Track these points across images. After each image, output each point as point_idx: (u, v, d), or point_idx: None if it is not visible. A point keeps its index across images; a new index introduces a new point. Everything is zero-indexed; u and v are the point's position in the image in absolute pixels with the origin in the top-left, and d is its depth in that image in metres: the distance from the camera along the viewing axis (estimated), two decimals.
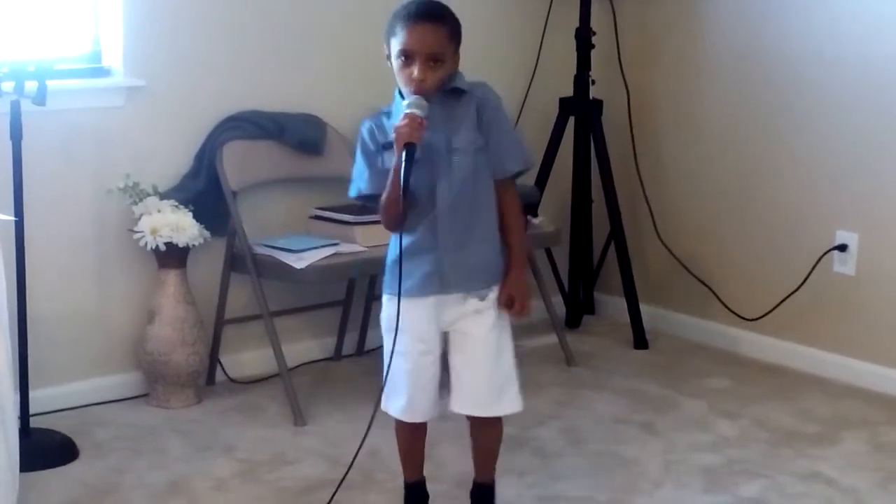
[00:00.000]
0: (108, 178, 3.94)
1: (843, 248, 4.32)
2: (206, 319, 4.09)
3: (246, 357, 4.30)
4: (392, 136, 2.87)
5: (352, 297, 4.45)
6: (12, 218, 3.43)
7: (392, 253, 2.98)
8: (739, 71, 4.59)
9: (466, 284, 2.98)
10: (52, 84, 3.57)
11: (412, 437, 3.15)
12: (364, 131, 3.01)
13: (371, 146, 2.99)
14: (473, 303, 3.00)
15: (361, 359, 4.54)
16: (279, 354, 3.97)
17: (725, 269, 4.71)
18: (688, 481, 3.51)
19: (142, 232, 3.88)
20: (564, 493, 3.43)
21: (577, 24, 4.77)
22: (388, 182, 2.88)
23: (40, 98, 3.52)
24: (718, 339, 4.71)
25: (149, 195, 3.94)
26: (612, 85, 4.87)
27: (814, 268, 4.38)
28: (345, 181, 4.19)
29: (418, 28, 2.86)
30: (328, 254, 3.98)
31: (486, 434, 3.13)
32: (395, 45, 2.88)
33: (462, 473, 3.32)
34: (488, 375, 3.03)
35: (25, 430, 3.55)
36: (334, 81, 4.39)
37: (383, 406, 3.08)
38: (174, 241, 3.87)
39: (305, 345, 4.44)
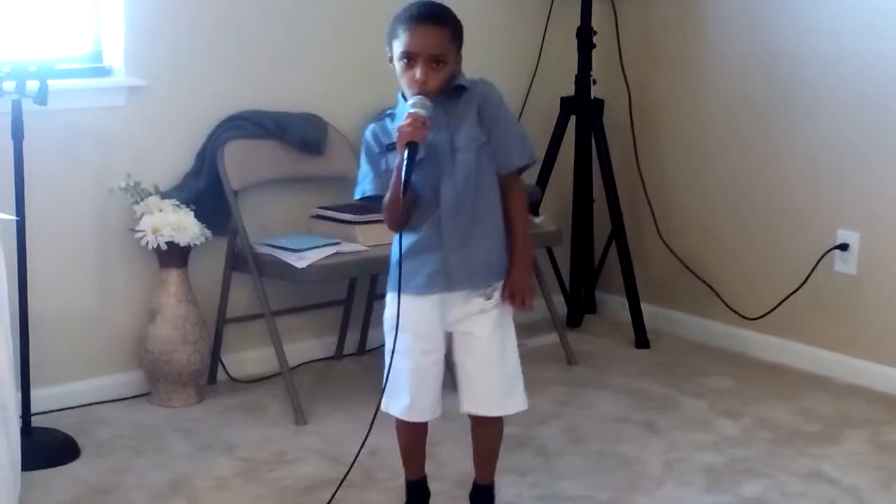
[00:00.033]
0: (109, 178, 3.94)
1: (844, 247, 4.32)
2: (208, 318, 4.09)
3: (247, 356, 4.30)
4: (395, 137, 2.88)
5: (353, 296, 4.45)
6: (14, 217, 3.43)
7: (396, 252, 2.98)
8: (741, 70, 4.59)
9: (472, 281, 2.98)
10: (53, 84, 3.57)
11: (413, 436, 3.15)
12: (368, 134, 3.02)
13: (375, 148, 3.00)
14: (478, 302, 3.00)
15: (363, 358, 4.54)
16: (280, 353, 3.97)
17: (727, 268, 4.71)
18: (689, 480, 3.51)
19: (143, 231, 3.88)
20: (566, 492, 3.43)
21: (578, 23, 4.77)
22: (391, 182, 2.89)
23: (42, 98, 3.52)
24: (720, 338, 4.71)
25: (150, 194, 3.94)
26: (613, 84, 4.87)
27: (815, 267, 4.38)
28: (346, 180, 4.23)
29: (420, 30, 2.86)
30: (329, 253, 3.98)
31: (488, 432, 3.13)
32: (398, 47, 2.89)
33: (463, 473, 3.32)
34: (497, 375, 3.04)
35: (27, 429, 3.55)
36: (335, 81, 4.40)
37: (384, 407, 3.07)
38: (175, 240, 3.88)
39: (307, 344, 4.44)
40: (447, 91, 2.92)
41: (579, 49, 4.78)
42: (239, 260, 4.08)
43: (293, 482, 3.46)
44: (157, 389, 4.02)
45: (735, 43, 4.60)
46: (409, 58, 2.87)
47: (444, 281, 2.96)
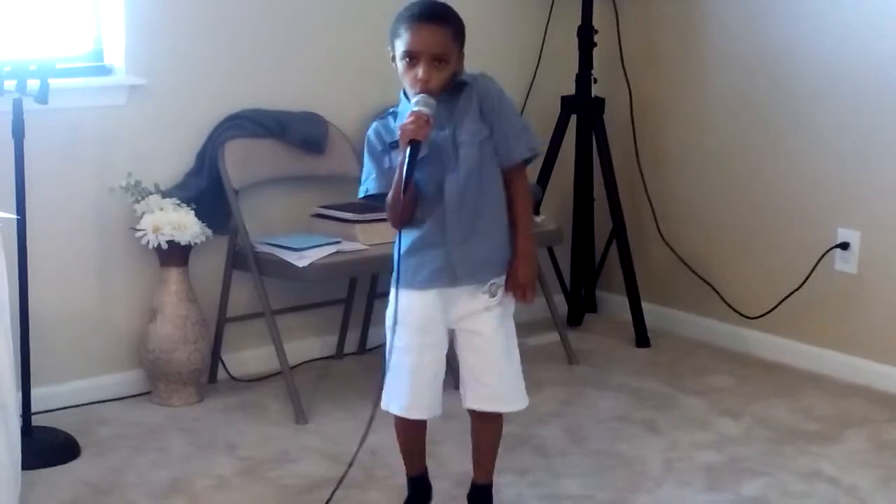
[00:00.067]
0: (109, 177, 3.94)
1: (844, 246, 4.32)
2: (208, 317, 4.09)
3: (248, 355, 4.30)
4: (398, 135, 2.89)
5: (353, 295, 4.45)
6: (14, 216, 3.43)
7: (399, 249, 2.98)
8: (741, 69, 4.59)
9: (476, 276, 2.99)
10: (54, 82, 3.57)
11: (413, 434, 3.15)
12: (371, 133, 3.03)
13: (378, 146, 3.00)
14: (483, 300, 3.00)
15: (363, 357, 4.54)
16: (281, 352, 3.97)
17: (727, 266, 4.71)
18: (689, 479, 3.51)
19: (144, 230, 3.88)
20: (566, 491, 3.43)
21: (579, 22, 4.77)
22: (394, 179, 2.89)
23: (42, 96, 3.52)
24: (720, 337, 4.71)
25: (151, 193, 3.94)
26: (614, 83, 4.87)
27: (816, 266, 4.38)
28: (346, 179, 4.24)
29: (422, 29, 2.86)
30: (330, 252, 3.98)
31: (489, 429, 3.13)
32: (400, 46, 2.89)
33: (463, 473, 3.32)
34: (501, 372, 3.05)
35: (27, 429, 3.55)
36: (336, 80, 4.40)
37: (383, 405, 3.07)
38: (176, 239, 3.88)
39: (307, 343, 4.44)
40: (450, 88, 2.93)
41: (580, 48, 4.78)
42: (239, 259, 4.08)
43: (294, 481, 3.47)
44: (157, 388, 4.02)
45: (736, 42, 4.60)
46: (412, 57, 2.87)
47: (448, 276, 2.97)
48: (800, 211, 4.45)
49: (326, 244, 4.01)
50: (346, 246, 4.04)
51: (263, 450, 3.68)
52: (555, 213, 4.80)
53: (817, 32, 4.34)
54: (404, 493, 3.24)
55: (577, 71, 4.78)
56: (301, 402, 3.92)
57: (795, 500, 3.39)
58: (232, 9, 4.16)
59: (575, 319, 4.96)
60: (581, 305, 5.00)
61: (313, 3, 4.32)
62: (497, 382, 3.05)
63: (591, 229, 4.97)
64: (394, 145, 2.94)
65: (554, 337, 4.59)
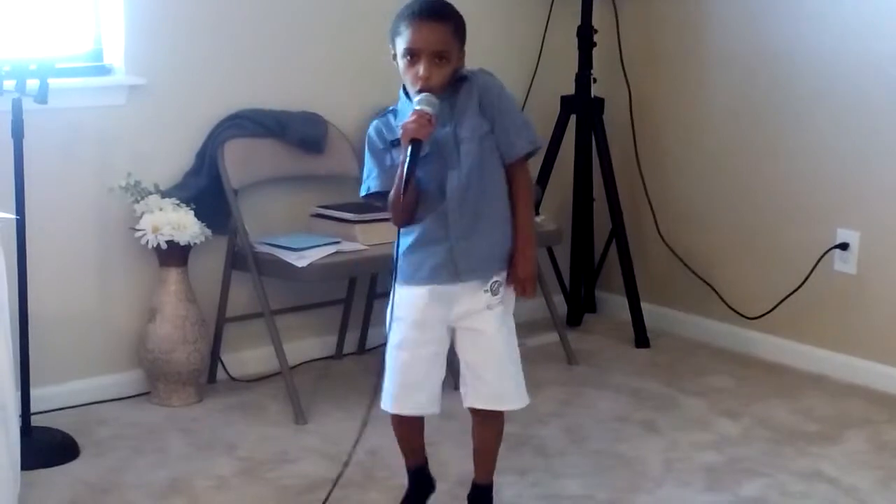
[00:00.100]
0: (109, 177, 3.94)
1: (844, 246, 4.32)
2: (208, 317, 4.09)
3: (247, 355, 4.30)
4: (399, 133, 2.90)
5: (353, 295, 4.45)
6: (14, 216, 3.43)
7: (402, 245, 2.99)
8: (741, 69, 4.59)
9: (478, 272, 2.99)
10: (53, 82, 3.57)
11: (408, 430, 3.16)
12: (371, 130, 3.03)
13: (379, 144, 3.01)
14: (485, 298, 3.01)
15: (363, 357, 4.54)
16: (280, 353, 3.97)
17: (727, 267, 4.71)
18: (689, 480, 3.51)
19: (143, 230, 3.88)
20: (565, 491, 3.43)
21: (578, 22, 4.77)
22: (396, 178, 2.89)
23: (42, 96, 3.52)
24: (720, 337, 4.71)
25: (150, 193, 3.94)
26: (613, 83, 4.87)
27: (815, 266, 4.38)
28: (346, 179, 4.24)
29: (423, 26, 2.87)
30: (329, 252, 3.98)
31: (489, 428, 3.13)
32: (401, 44, 2.90)
33: (463, 473, 3.32)
34: (503, 370, 3.06)
35: (26, 429, 3.55)
36: (335, 80, 4.39)
37: (382, 403, 3.09)
38: (175, 239, 3.87)
39: (307, 343, 4.44)
40: (450, 85, 2.93)
41: (580, 48, 4.77)
42: (239, 259, 4.08)
43: (293, 482, 3.46)
44: (156, 389, 4.02)
45: (735, 42, 4.60)
46: (413, 54, 2.88)
47: (450, 272, 2.97)
48: (799, 211, 4.45)
49: (326, 244, 4.01)
50: (346, 246, 4.03)
51: (263, 450, 3.68)
52: (554, 214, 4.80)
53: (817, 32, 4.33)
54: (405, 489, 3.25)
55: (576, 71, 4.77)
56: (300, 403, 3.92)
57: (795, 501, 3.38)
58: (232, 9, 4.16)
59: (574, 320, 4.96)
60: (581, 306, 4.99)
61: (313, 3, 4.32)
62: (498, 381, 3.05)
63: (591, 229, 4.96)
64: (395, 143, 2.95)
65: (553, 337, 4.59)
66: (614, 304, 5.00)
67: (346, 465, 3.10)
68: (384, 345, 3.05)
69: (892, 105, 4.15)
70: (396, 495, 3.29)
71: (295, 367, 4.25)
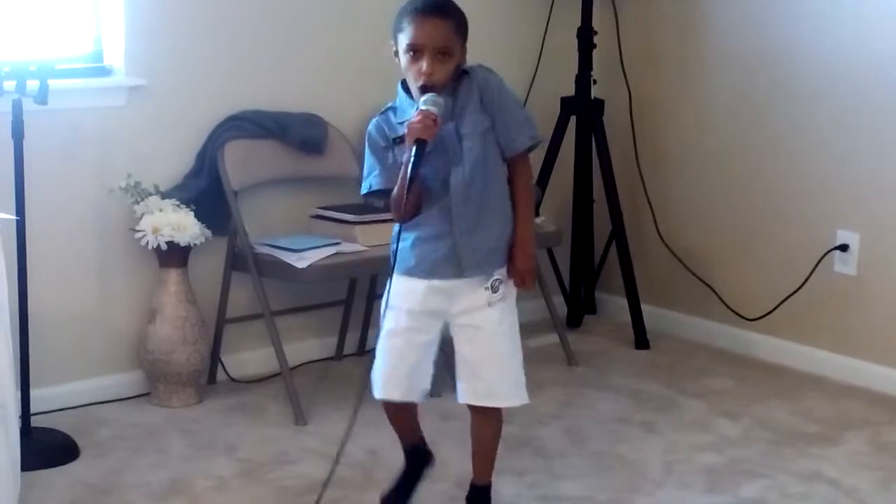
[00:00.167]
0: (109, 178, 3.94)
1: (844, 247, 4.32)
2: (208, 318, 4.09)
3: (247, 356, 4.30)
4: (401, 131, 2.91)
5: (353, 296, 4.45)
6: (14, 217, 3.43)
7: (404, 238, 2.99)
8: (741, 71, 4.59)
9: (481, 267, 3.00)
10: (53, 83, 3.57)
11: (400, 414, 3.18)
12: (372, 128, 3.03)
13: (380, 142, 3.01)
14: (486, 295, 3.01)
15: (363, 358, 4.53)
16: (280, 354, 3.97)
17: (727, 268, 4.71)
18: (689, 481, 3.51)
19: (143, 231, 3.88)
20: (565, 492, 3.43)
21: (578, 23, 4.77)
22: (400, 176, 2.90)
23: (42, 97, 3.52)
24: (720, 338, 4.71)
25: (150, 194, 3.94)
26: (613, 84, 4.87)
27: (815, 268, 4.38)
28: (346, 180, 4.24)
29: (426, 22, 2.88)
30: (329, 253, 3.98)
31: (488, 425, 3.13)
32: (403, 40, 2.91)
33: (462, 473, 3.32)
34: (502, 367, 3.06)
35: (26, 430, 3.55)
36: (335, 81, 4.39)
37: (374, 390, 3.11)
38: (175, 240, 3.87)
39: (307, 344, 4.44)
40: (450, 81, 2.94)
41: (580, 49, 4.78)
42: (239, 260, 4.08)
43: (293, 482, 3.46)
44: (156, 389, 4.02)
45: (735, 43, 4.60)
46: (415, 50, 2.89)
47: (454, 267, 2.98)
48: (799, 212, 4.45)
49: (326, 245, 4.01)
50: (346, 247, 4.03)
51: (263, 451, 3.68)
52: (554, 215, 4.80)
53: (817, 33, 4.34)
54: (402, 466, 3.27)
55: (576, 72, 4.78)
56: (300, 404, 3.92)
57: (795, 502, 3.38)
58: (232, 10, 4.16)
59: (574, 321, 4.96)
60: (580, 307, 4.99)
61: (313, 4, 4.32)
62: (496, 378, 3.06)
63: (591, 231, 4.96)
64: (397, 140, 2.96)
65: (553, 338, 4.59)
66: (614, 305, 5.00)
67: (336, 462, 3.08)
68: None
69: (893, 105, 4.15)
70: None
71: (295, 368, 4.25)
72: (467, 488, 3.21)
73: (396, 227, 3.02)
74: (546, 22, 4.83)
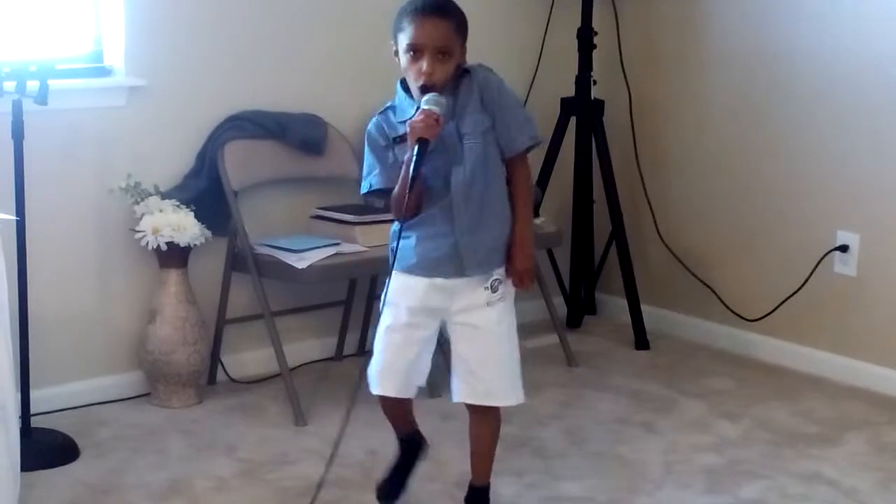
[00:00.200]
0: (109, 178, 3.94)
1: (844, 248, 4.32)
2: (208, 319, 4.09)
3: (247, 357, 4.30)
4: (401, 130, 2.92)
5: (353, 296, 4.45)
6: (14, 217, 3.43)
7: (405, 237, 2.99)
8: (741, 71, 4.59)
9: (482, 266, 3.01)
10: (53, 84, 3.57)
11: (396, 408, 3.20)
12: (371, 127, 3.04)
13: (381, 141, 3.02)
14: (485, 295, 3.01)
15: (363, 359, 4.52)
16: (280, 354, 3.97)
17: (727, 269, 4.70)
18: (689, 482, 3.51)
19: (143, 231, 3.88)
20: (565, 493, 3.43)
21: (578, 24, 4.77)
22: (401, 175, 2.91)
23: (42, 98, 3.52)
24: (720, 339, 4.71)
25: (150, 195, 3.94)
26: (613, 85, 4.87)
27: (815, 268, 4.38)
28: (346, 181, 4.24)
29: (426, 22, 2.89)
30: (329, 254, 3.98)
31: (486, 424, 3.13)
32: (403, 40, 2.91)
33: (462, 474, 3.32)
34: (501, 366, 3.07)
35: (26, 430, 3.55)
36: (336, 81, 4.39)
37: (371, 387, 3.12)
38: (175, 240, 3.87)
39: (307, 345, 4.44)
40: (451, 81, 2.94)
41: (580, 50, 4.78)
42: (239, 260, 4.08)
43: (293, 483, 3.46)
44: (156, 390, 4.02)
45: (735, 43, 4.60)
46: (416, 50, 2.89)
47: (455, 266, 2.99)
48: (799, 213, 4.45)
49: (326, 246, 4.01)
50: (346, 247, 4.04)
51: (263, 451, 3.68)
52: (554, 215, 4.80)
53: (817, 33, 4.34)
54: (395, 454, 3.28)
55: (576, 73, 4.77)
56: (300, 404, 3.92)
57: (795, 503, 3.38)
58: (232, 10, 4.16)
59: (574, 321, 4.96)
60: (580, 307, 4.99)
61: (313, 4, 4.32)
62: (494, 377, 3.06)
63: (591, 231, 4.96)
64: (397, 140, 2.96)
65: (553, 339, 4.59)
66: (614, 305, 5.00)
67: (329, 463, 3.08)
68: None
69: (893, 106, 4.15)
70: None
71: (295, 368, 4.25)
72: (465, 489, 3.21)
73: (395, 225, 3.03)
74: (546, 22, 4.83)
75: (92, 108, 3.93)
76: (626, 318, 4.79)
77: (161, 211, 3.90)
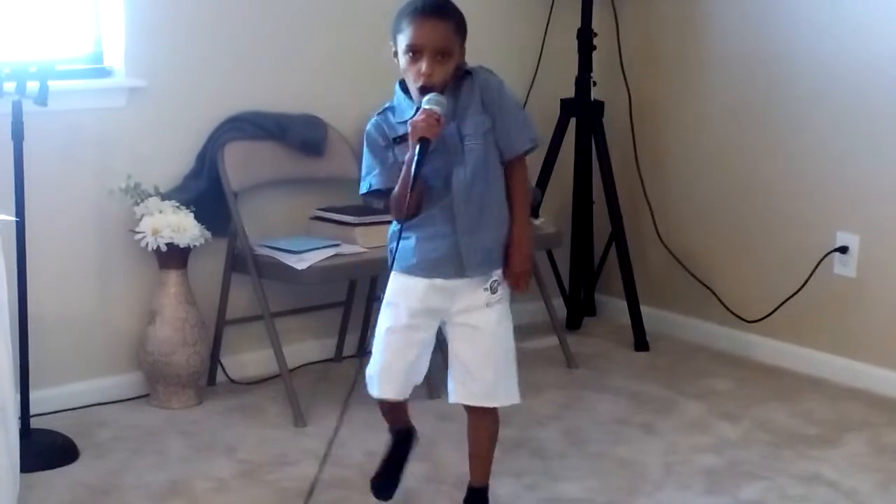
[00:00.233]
0: (109, 179, 3.94)
1: (843, 249, 4.32)
2: (207, 320, 4.09)
3: (247, 358, 4.30)
4: (401, 130, 2.93)
5: (353, 298, 4.45)
6: (13, 218, 3.43)
7: (405, 237, 2.99)
8: (741, 72, 4.59)
9: (482, 267, 3.01)
10: (53, 84, 3.57)
11: (394, 409, 3.22)
12: (371, 128, 3.04)
13: (380, 141, 3.02)
14: (485, 296, 3.02)
15: (362, 360, 4.52)
16: (280, 355, 3.97)
17: (726, 270, 4.70)
18: (688, 483, 3.51)
19: (143, 232, 3.88)
20: (564, 494, 3.43)
21: (578, 25, 4.77)
22: (401, 175, 2.91)
23: (42, 98, 3.52)
24: (719, 340, 4.71)
25: (150, 196, 3.94)
26: (613, 86, 4.87)
27: (815, 269, 4.38)
28: (346, 182, 4.24)
29: (425, 23, 2.89)
30: (329, 255, 3.98)
31: (484, 424, 3.13)
32: (402, 41, 2.91)
33: (462, 475, 3.31)
34: (499, 368, 3.07)
35: (26, 431, 3.55)
36: (335, 82, 4.40)
37: (368, 388, 3.13)
38: (175, 241, 3.87)
39: (306, 346, 4.44)
40: (452, 82, 2.94)
41: (579, 51, 4.78)
42: (239, 261, 4.08)
43: (292, 484, 3.46)
44: (156, 391, 4.02)
45: (735, 45, 4.60)
46: (415, 51, 2.90)
47: (455, 266, 2.99)
48: (799, 214, 4.45)
49: (325, 247, 4.01)
50: (346, 248, 4.04)
51: (262, 452, 3.68)
52: (554, 216, 4.80)
53: (816, 34, 4.34)
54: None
55: (576, 74, 4.78)
56: (300, 405, 3.92)
57: None
58: (232, 10, 4.16)
59: (574, 323, 4.96)
60: (580, 309, 4.99)
61: (313, 5, 4.32)
62: (491, 378, 3.06)
63: (591, 232, 4.96)
64: (397, 140, 2.96)
65: (553, 340, 4.59)
66: (614, 307, 5.00)
67: (322, 464, 3.08)
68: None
69: (892, 107, 4.15)
70: (395, 497, 3.30)
71: (294, 369, 4.25)
72: (464, 490, 3.21)
73: (394, 226, 3.03)
74: (546, 23, 4.83)
75: (92, 109, 3.94)
76: (626, 319, 4.79)
77: (161, 212, 3.90)
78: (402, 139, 2.93)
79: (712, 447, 3.77)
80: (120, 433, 3.81)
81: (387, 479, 3.29)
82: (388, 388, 3.11)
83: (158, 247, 3.87)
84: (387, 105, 3.03)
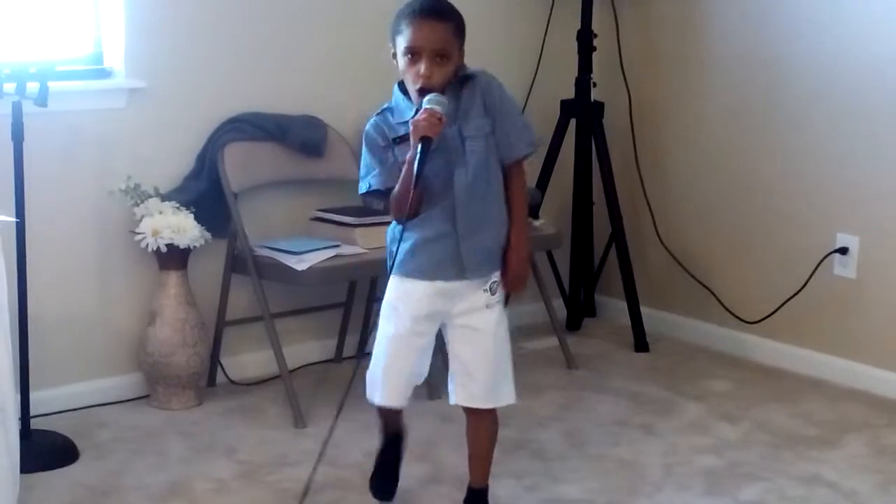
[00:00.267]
0: (109, 180, 3.94)
1: (843, 251, 4.32)
2: (207, 321, 4.09)
3: (247, 359, 4.30)
4: (401, 131, 2.93)
5: (353, 298, 4.45)
6: (13, 219, 3.43)
7: (405, 239, 2.99)
8: (741, 72, 4.59)
9: (483, 269, 3.01)
10: (53, 85, 3.57)
11: (392, 416, 3.23)
12: (370, 128, 3.04)
13: (380, 142, 3.02)
14: (485, 297, 3.02)
15: (362, 361, 4.51)
16: (280, 356, 3.97)
17: (726, 271, 4.71)
18: (688, 484, 3.51)
19: (143, 233, 3.88)
20: (564, 495, 3.43)
21: (578, 26, 4.77)
22: (402, 175, 2.91)
23: (42, 99, 3.52)
24: (719, 341, 4.71)
25: (150, 197, 3.94)
26: (613, 87, 4.87)
27: (815, 271, 4.38)
28: (345, 183, 4.24)
29: (424, 25, 2.89)
30: (329, 256, 3.98)
31: (484, 425, 3.13)
32: (401, 42, 2.91)
33: (462, 475, 3.31)
34: (497, 368, 3.07)
35: (26, 432, 3.55)
36: (335, 83, 4.40)
37: (369, 394, 3.14)
38: (175, 242, 3.87)
39: (306, 346, 4.44)
40: (453, 83, 2.95)
41: (579, 52, 4.78)
42: (238, 262, 4.08)
43: (292, 485, 3.46)
44: (156, 392, 4.02)
45: (735, 45, 4.60)
46: (414, 53, 2.90)
47: (456, 268, 2.99)
48: (799, 215, 4.45)
49: (325, 248, 4.01)
50: (346, 249, 4.04)
51: (262, 453, 3.68)
52: (554, 217, 4.80)
53: (816, 34, 4.34)
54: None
55: (576, 74, 4.78)
56: (300, 406, 3.92)
57: None
58: (232, 11, 4.16)
59: (574, 324, 4.96)
60: (580, 310, 4.99)
61: (313, 6, 4.32)
62: (491, 379, 3.07)
63: (591, 233, 4.96)
64: (398, 140, 2.97)
65: (553, 341, 4.59)
66: (614, 308, 5.00)
67: (315, 465, 3.07)
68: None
69: (891, 108, 4.15)
70: (395, 497, 3.30)
71: (294, 370, 4.25)
72: (465, 491, 3.21)
73: (394, 228, 3.03)
74: (546, 24, 4.83)
75: (92, 109, 3.94)
76: (626, 320, 4.79)
77: (161, 213, 3.90)
78: (402, 139, 2.94)
79: (712, 448, 3.77)
80: (120, 434, 3.81)
81: (385, 478, 3.29)
82: (390, 396, 3.11)
83: (158, 248, 3.87)
84: (385, 106, 3.03)
